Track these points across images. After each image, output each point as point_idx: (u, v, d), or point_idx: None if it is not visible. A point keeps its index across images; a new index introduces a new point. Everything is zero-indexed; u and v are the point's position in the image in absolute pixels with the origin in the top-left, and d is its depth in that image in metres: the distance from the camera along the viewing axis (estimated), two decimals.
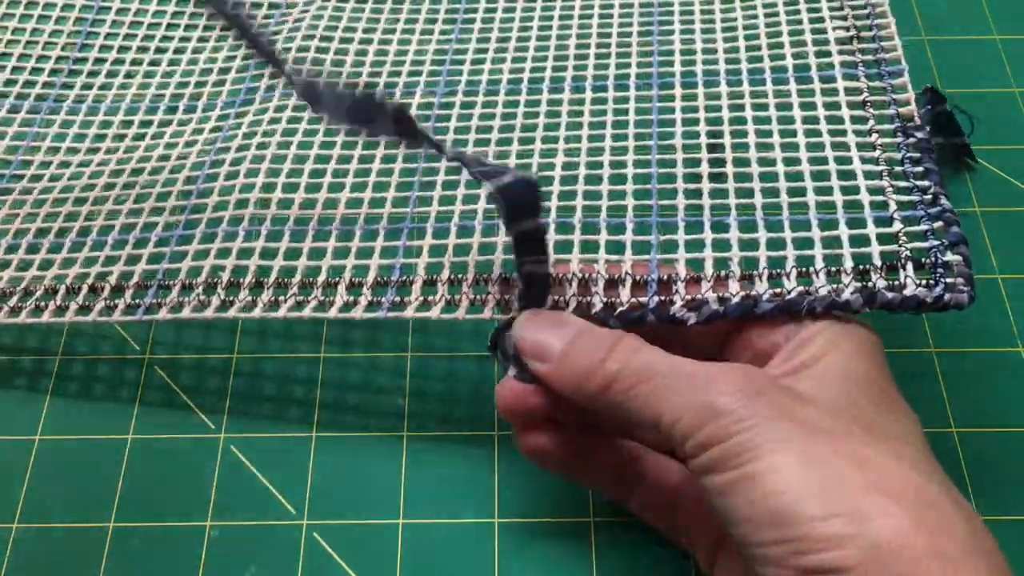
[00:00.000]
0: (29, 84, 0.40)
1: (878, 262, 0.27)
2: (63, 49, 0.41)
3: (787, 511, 0.21)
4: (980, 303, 0.35)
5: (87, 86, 0.40)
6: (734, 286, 0.27)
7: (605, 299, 0.28)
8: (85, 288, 0.31)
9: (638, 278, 0.28)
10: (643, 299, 0.27)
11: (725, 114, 0.34)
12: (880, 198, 0.29)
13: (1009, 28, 0.42)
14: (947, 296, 0.26)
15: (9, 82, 0.40)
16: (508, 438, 0.32)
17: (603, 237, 0.30)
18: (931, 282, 0.27)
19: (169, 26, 0.41)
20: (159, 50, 0.41)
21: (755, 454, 0.22)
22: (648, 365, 0.25)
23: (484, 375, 0.34)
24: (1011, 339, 0.34)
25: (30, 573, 0.30)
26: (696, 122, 0.34)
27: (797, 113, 0.33)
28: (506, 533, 0.30)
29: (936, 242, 0.27)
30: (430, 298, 0.29)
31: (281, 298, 0.29)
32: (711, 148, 0.33)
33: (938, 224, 0.28)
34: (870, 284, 0.27)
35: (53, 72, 0.40)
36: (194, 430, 0.33)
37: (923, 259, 0.27)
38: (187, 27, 0.41)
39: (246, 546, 0.30)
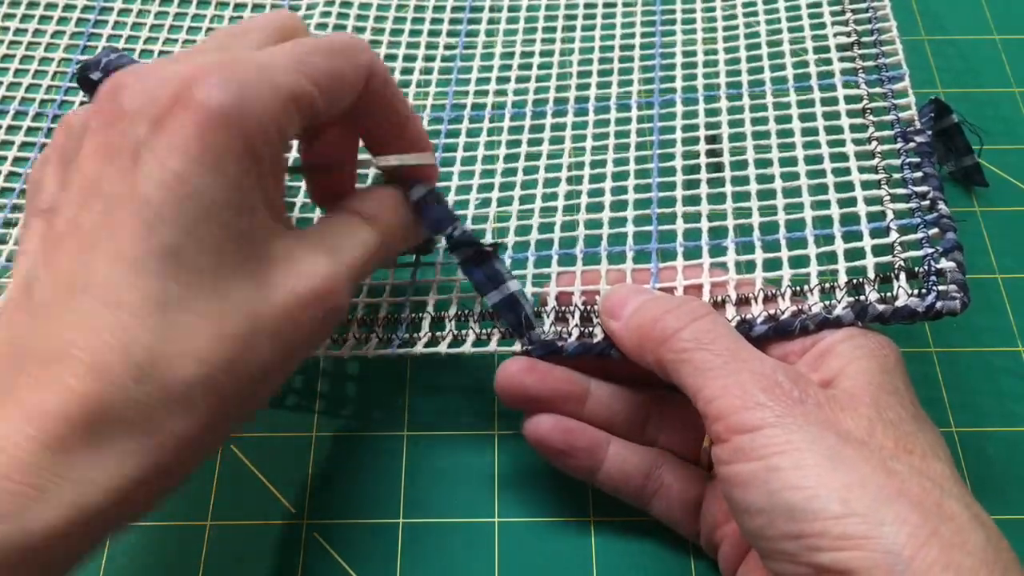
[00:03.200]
0: (33, 88, 0.40)
1: (872, 275, 0.28)
2: (65, 51, 0.41)
3: (806, 507, 0.21)
4: (980, 303, 0.35)
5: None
6: (731, 311, 0.28)
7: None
8: None
9: None
10: None
11: (725, 131, 0.34)
12: (877, 208, 0.29)
13: (1009, 28, 0.42)
14: (939, 304, 0.26)
15: (12, 86, 0.40)
16: (508, 438, 0.32)
17: (603, 267, 0.30)
18: (923, 291, 0.27)
19: (167, 41, 0.41)
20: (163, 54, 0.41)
21: (783, 448, 0.22)
22: (707, 332, 0.25)
23: (485, 374, 0.33)
24: (1011, 339, 0.34)
25: None
26: (696, 141, 0.34)
27: (796, 125, 0.33)
28: (506, 533, 0.30)
29: (931, 249, 0.27)
30: (438, 334, 0.30)
31: None
32: (709, 154, 0.33)
33: (934, 231, 0.28)
34: (862, 298, 0.27)
35: (57, 75, 0.40)
36: None
37: (917, 268, 0.27)
38: (190, 29, 0.42)
39: (246, 546, 0.30)
